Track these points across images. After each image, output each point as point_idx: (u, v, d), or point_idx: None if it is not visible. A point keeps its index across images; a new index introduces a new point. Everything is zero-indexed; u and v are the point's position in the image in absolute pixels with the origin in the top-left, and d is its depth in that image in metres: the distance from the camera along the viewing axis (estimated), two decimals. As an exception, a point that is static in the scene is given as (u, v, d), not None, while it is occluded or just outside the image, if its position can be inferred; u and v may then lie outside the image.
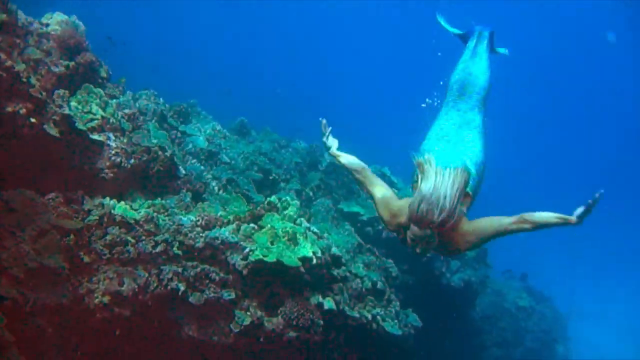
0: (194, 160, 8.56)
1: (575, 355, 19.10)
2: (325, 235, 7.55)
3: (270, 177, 9.41)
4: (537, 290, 18.01)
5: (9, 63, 5.17)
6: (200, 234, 6.15)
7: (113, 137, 6.33)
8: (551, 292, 18.94)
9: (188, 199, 6.77)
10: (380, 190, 3.97)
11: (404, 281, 9.50)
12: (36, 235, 5.06)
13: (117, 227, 5.80)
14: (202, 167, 8.45)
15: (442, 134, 4.30)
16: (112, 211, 5.86)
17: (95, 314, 5.41)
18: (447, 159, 4.00)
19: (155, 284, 5.71)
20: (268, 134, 10.64)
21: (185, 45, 36.57)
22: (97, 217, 5.75)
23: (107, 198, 5.99)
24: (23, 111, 5.33)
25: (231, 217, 6.55)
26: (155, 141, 6.74)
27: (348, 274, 7.36)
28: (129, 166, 6.31)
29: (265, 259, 6.05)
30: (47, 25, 6.45)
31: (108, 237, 5.70)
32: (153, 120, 7.75)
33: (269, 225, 6.49)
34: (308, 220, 7.27)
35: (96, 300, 5.39)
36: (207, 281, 6.06)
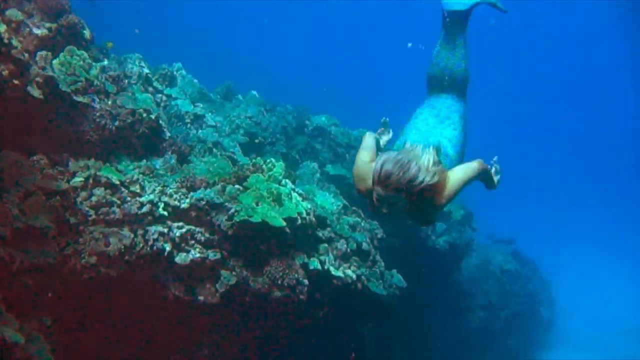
0: (180, 123, 8.57)
1: (560, 319, 19.42)
2: (311, 196, 7.61)
3: (256, 141, 9.43)
4: (523, 255, 18.20)
5: (-10, 24, 5.14)
6: (186, 195, 6.19)
7: (97, 100, 6.31)
8: (536, 258, 19.17)
9: (173, 161, 6.79)
10: (363, 155, 4.02)
11: (390, 243, 9.60)
12: (22, 196, 5.08)
13: (103, 188, 5.81)
14: (188, 130, 8.46)
15: (421, 118, 4.34)
16: (97, 173, 5.87)
17: (82, 275, 5.46)
18: (425, 137, 4.05)
19: (141, 245, 5.75)
20: (254, 97, 10.63)
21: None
22: (83, 179, 5.76)
23: (92, 160, 6.00)
24: (5, 73, 5.31)
25: (216, 179, 6.58)
26: (140, 104, 6.73)
27: (333, 235, 7.44)
28: (114, 128, 6.30)
29: (250, 219, 6.11)
30: (29, -14, 6.40)
31: (93, 199, 5.72)
32: (138, 84, 7.73)
33: (254, 187, 6.53)
34: (293, 182, 7.33)
35: (83, 261, 5.43)
36: (193, 242, 6.12)
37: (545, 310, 18.35)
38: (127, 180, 6.01)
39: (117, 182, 5.92)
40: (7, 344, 4.09)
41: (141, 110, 6.61)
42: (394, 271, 8.37)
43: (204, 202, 6.20)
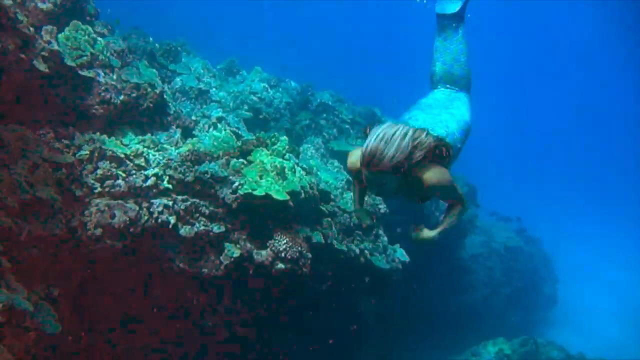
0: (184, 99, 8.62)
1: (562, 296, 19.48)
2: (315, 171, 7.66)
3: (260, 116, 9.47)
4: (527, 232, 18.24)
5: (-5, -2, 5.17)
6: (190, 169, 6.25)
7: (102, 74, 6.36)
8: (540, 235, 19.20)
9: (178, 135, 6.85)
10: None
11: (393, 219, 9.65)
12: (28, 169, 5.14)
13: (108, 161, 5.88)
14: (192, 105, 8.51)
15: (424, 103, 4.35)
16: (103, 146, 5.93)
17: (88, 246, 5.54)
18: (429, 115, 4.06)
19: (146, 217, 5.82)
20: (258, 73, 10.64)
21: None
22: (88, 152, 5.82)
23: (98, 133, 6.05)
24: (11, 47, 5.35)
25: (220, 153, 6.63)
26: (145, 78, 6.77)
27: (337, 209, 7.50)
28: (119, 102, 6.35)
29: (254, 192, 6.17)
30: (34, -40, 6.41)
31: (99, 171, 5.78)
32: (142, 59, 7.77)
33: (258, 160, 6.59)
34: (297, 157, 7.38)
35: (88, 232, 5.51)
36: (197, 214, 6.19)
37: (548, 288, 18.42)
38: (132, 154, 6.06)
39: (122, 156, 5.98)
40: (15, 312, 4.18)
41: (146, 84, 6.65)
42: (397, 245, 8.43)
43: (208, 176, 6.26)
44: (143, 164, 6.07)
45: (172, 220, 5.94)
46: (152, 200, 5.94)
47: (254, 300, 6.79)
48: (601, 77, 42.25)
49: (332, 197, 7.53)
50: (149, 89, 6.69)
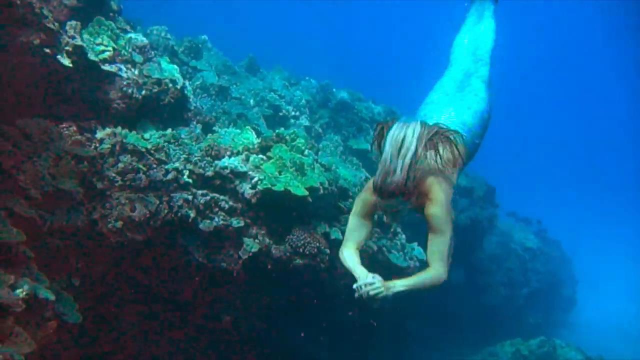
0: (204, 95, 8.68)
1: (581, 299, 19.34)
2: (333, 168, 7.68)
3: (280, 114, 9.52)
4: (546, 233, 18.12)
5: (22, -7, 5.24)
6: (210, 164, 6.30)
7: (124, 69, 6.42)
8: (559, 237, 19.08)
9: (198, 130, 6.91)
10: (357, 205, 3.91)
11: (412, 217, 9.64)
12: (52, 161, 5.21)
13: (129, 155, 5.94)
14: (212, 102, 8.57)
15: (440, 89, 4.36)
16: (124, 140, 5.99)
17: (109, 238, 5.61)
18: (442, 109, 4.07)
19: (165, 211, 5.88)
20: (279, 71, 10.70)
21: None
22: (110, 146, 5.89)
23: (119, 127, 6.12)
24: (37, 42, 5.43)
25: (240, 148, 6.68)
26: (166, 74, 6.84)
27: (355, 206, 7.50)
28: (140, 97, 6.42)
29: (273, 188, 6.21)
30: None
31: (120, 165, 5.84)
32: (164, 55, 7.85)
33: (277, 156, 6.63)
34: (316, 153, 7.41)
35: (109, 225, 5.57)
36: (217, 209, 6.24)
37: (568, 289, 18.29)
38: (153, 148, 6.12)
39: (143, 150, 6.03)
40: (38, 300, 4.24)
41: (167, 80, 6.72)
42: (415, 244, 8.43)
43: (228, 171, 6.31)
44: (164, 158, 6.13)
45: (192, 214, 5.99)
46: (172, 194, 5.99)
47: (271, 295, 6.84)
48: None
49: (351, 194, 7.54)
50: (170, 85, 6.75)
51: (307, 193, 6.34)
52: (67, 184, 5.16)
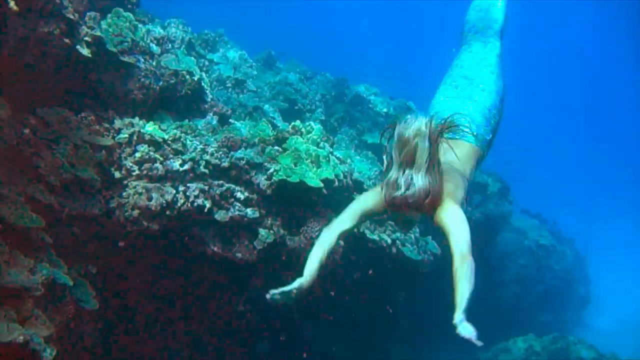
0: (221, 87, 8.74)
1: (594, 297, 19.23)
2: (348, 161, 7.71)
3: (296, 107, 9.56)
4: (559, 230, 18.02)
5: (42, -17, 5.30)
6: (226, 155, 6.35)
7: (142, 60, 6.47)
8: (573, 234, 18.96)
9: (215, 122, 6.95)
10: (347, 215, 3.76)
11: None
12: (70, 150, 5.28)
13: (146, 145, 5.99)
14: (229, 94, 8.62)
15: (450, 82, 4.37)
16: (142, 130, 6.05)
17: (126, 227, 5.67)
18: (453, 106, 4.07)
19: (182, 201, 5.93)
20: (295, 65, 10.73)
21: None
22: (127, 136, 5.95)
23: (137, 118, 6.18)
24: (57, 32, 5.49)
25: (256, 140, 6.73)
26: (183, 66, 6.89)
27: (369, 199, 7.52)
28: (158, 88, 6.48)
29: (288, 179, 6.25)
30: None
31: (137, 155, 5.90)
32: (181, 47, 7.91)
33: (293, 148, 6.66)
34: (331, 146, 7.44)
35: (126, 214, 5.64)
36: (232, 200, 6.28)
37: (581, 288, 18.19)
38: (170, 138, 6.17)
39: (160, 140, 6.09)
40: (57, 286, 4.31)
41: (184, 71, 6.77)
42: (429, 237, 8.44)
43: (243, 162, 6.36)
44: (180, 148, 6.18)
45: (208, 204, 6.04)
46: (189, 184, 6.04)
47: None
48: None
49: (365, 187, 7.57)
50: (187, 76, 6.80)
51: (322, 185, 6.38)
52: (85, 173, 5.22)
